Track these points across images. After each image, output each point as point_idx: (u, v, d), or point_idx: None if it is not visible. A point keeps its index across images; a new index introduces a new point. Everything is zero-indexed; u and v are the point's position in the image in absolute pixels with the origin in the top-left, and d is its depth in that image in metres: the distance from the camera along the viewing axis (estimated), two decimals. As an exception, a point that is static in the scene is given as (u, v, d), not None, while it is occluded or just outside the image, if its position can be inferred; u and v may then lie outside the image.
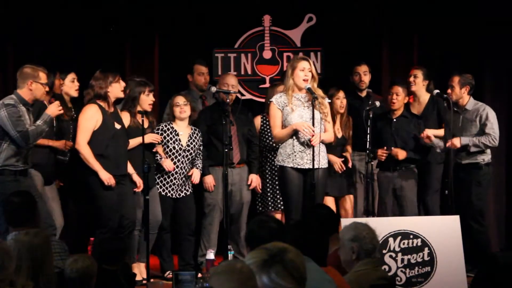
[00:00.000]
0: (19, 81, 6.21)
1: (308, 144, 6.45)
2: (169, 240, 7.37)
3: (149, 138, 6.95)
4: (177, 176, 7.22)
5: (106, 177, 6.51)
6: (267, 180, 7.65)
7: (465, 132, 7.29)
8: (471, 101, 7.35)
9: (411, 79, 7.62)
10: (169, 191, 7.21)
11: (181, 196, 7.25)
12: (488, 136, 7.20)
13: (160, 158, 7.13)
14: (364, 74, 7.95)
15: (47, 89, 6.31)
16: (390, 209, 7.42)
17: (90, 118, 6.55)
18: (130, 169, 6.82)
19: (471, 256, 7.09)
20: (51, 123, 6.38)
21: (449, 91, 7.32)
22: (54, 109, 6.25)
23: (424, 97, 7.65)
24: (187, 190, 7.29)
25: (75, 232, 7.15)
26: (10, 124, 6.03)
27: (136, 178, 6.85)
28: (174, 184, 7.22)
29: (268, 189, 7.65)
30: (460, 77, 7.31)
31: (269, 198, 7.66)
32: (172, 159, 7.19)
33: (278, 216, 7.35)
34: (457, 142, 7.20)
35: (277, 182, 7.47)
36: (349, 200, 7.70)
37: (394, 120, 7.50)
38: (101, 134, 6.58)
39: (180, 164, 7.23)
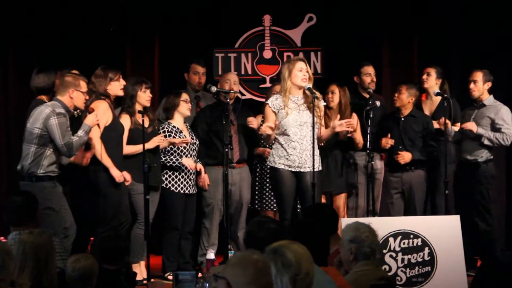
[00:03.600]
0: (60, 89, 6.21)
1: (299, 147, 6.45)
2: (178, 242, 7.26)
3: (154, 144, 6.93)
4: (191, 171, 7.20)
5: (118, 175, 6.50)
6: (257, 179, 7.63)
7: (476, 125, 7.28)
8: (490, 98, 7.36)
9: (424, 76, 7.58)
10: (182, 188, 7.15)
11: (190, 192, 7.23)
12: (503, 135, 7.21)
13: (177, 159, 7.10)
14: (374, 75, 7.93)
15: (87, 97, 6.34)
16: (398, 209, 7.41)
17: (104, 114, 6.54)
18: None
19: (472, 256, 7.10)
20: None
21: (471, 86, 7.32)
22: (93, 119, 6.29)
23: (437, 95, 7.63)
24: (195, 188, 7.29)
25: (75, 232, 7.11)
26: (58, 134, 6.01)
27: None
28: (189, 179, 7.19)
29: (256, 188, 7.64)
30: (483, 72, 7.31)
31: (256, 197, 7.66)
32: (186, 155, 7.18)
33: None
34: (474, 127, 7.20)
35: (265, 182, 7.49)
36: (343, 199, 7.61)
37: (402, 119, 7.48)
38: (112, 131, 6.59)
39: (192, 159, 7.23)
